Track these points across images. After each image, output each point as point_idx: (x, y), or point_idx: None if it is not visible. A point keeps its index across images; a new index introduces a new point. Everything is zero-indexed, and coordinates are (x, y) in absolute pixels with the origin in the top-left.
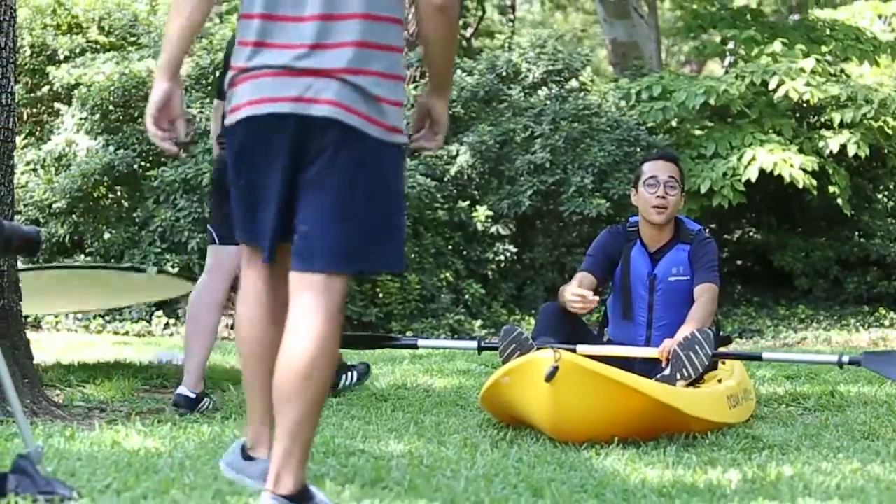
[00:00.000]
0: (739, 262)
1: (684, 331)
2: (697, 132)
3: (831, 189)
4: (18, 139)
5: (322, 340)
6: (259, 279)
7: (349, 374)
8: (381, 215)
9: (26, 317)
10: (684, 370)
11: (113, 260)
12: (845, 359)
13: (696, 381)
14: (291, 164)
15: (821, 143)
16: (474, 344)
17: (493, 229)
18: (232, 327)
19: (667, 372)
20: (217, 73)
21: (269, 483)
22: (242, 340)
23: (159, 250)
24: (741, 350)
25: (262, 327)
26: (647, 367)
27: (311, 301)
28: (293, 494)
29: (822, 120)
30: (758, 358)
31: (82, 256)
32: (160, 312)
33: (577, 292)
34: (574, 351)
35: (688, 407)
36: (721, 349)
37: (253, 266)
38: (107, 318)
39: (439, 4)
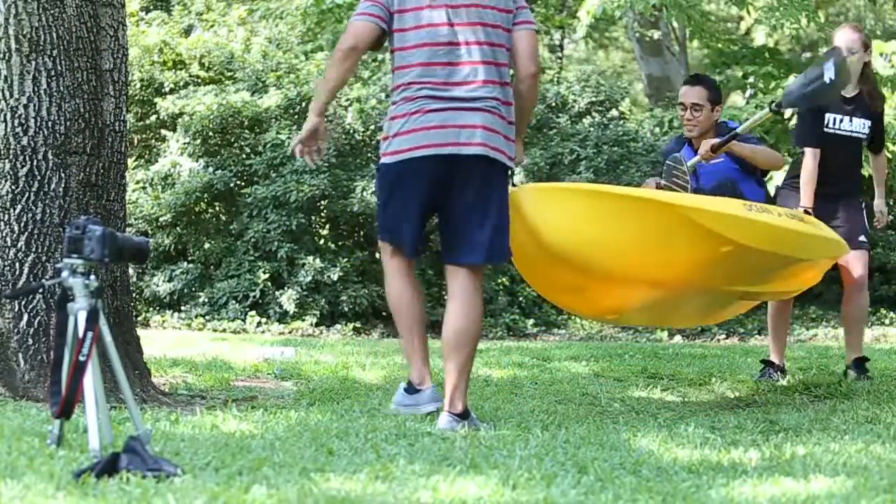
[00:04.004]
0: None
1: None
2: None
3: None
4: (130, 161)
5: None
6: (402, 266)
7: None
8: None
9: (136, 316)
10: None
11: (212, 267)
12: (774, 106)
13: None
14: None
15: None
16: None
17: None
18: (316, 325)
19: None
20: (302, 104)
21: (445, 405)
22: (398, 308)
23: (252, 258)
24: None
25: (410, 297)
26: None
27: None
28: (461, 413)
29: None
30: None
31: (185, 263)
32: (253, 312)
33: None
34: None
35: (680, 201)
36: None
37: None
38: (206, 317)
39: (534, 72)
